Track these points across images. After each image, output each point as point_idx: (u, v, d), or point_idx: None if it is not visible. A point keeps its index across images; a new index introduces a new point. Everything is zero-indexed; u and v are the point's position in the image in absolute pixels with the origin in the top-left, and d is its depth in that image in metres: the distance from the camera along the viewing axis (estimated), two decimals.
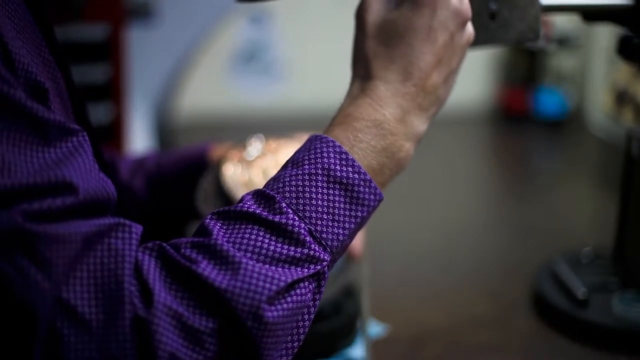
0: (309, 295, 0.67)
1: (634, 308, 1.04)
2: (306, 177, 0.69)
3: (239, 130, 1.90)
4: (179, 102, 1.80)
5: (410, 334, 1.06)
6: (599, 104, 1.91)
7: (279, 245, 0.66)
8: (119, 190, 0.89)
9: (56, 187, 0.61)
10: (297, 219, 0.67)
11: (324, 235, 0.68)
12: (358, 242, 1.04)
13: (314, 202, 0.68)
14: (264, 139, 1.03)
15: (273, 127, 1.16)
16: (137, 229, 0.64)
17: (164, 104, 1.65)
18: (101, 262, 0.61)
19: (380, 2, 0.79)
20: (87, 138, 0.67)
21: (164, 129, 1.68)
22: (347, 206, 0.70)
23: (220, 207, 0.88)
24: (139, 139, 1.54)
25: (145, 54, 1.51)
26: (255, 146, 1.01)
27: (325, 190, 0.69)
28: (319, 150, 0.71)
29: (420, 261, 1.29)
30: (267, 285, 0.64)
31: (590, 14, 1.00)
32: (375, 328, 1.06)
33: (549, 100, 1.97)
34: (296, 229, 0.67)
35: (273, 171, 0.98)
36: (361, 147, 0.73)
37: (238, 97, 2.06)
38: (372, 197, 0.71)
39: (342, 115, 0.76)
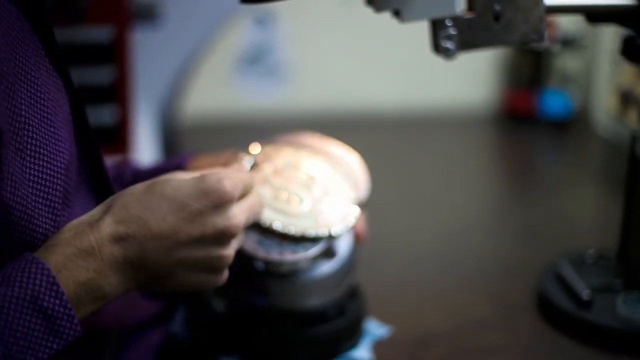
0: None
1: (637, 309, 1.03)
2: (13, 300, 0.68)
3: (244, 132, 1.90)
4: (184, 103, 1.80)
5: (412, 335, 1.06)
6: (603, 105, 1.91)
7: None
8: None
9: None
10: None
11: None
12: (361, 224, 1.04)
13: (14, 327, 0.68)
14: (258, 147, 1.03)
15: (278, 128, 1.16)
16: None
17: (168, 105, 1.65)
18: None
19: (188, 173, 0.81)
20: None
21: (169, 131, 1.68)
22: (46, 337, 0.69)
23: None
24: (144, 141, 1.55)
25: (149, 56, 1.51)
26: (248, 159, 1.00)
27: (28, 318, 0.68)
28: (32, 275, 0.69)
29: (423, 262, 1.29)
30: None
31: (595, 15, 0.99)
32: (377, 330, 1.06)
33: (554, 102, 1.97)
34: None
35: (274, 178, 0.98)
36: (65, 274, 0.71)
37: (243, 99, 2.07)
38: (71, 332, 0.70)
39: (60, 237, 0.73)
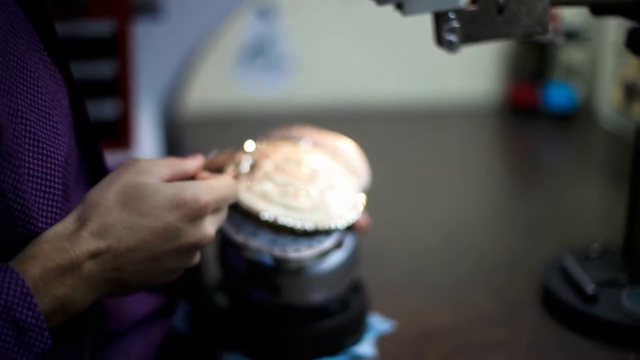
0: None
1: None
2: None
3: (246, 125, 1.90)
4: (186, 97, 1.79)
5: (416, 330, 1.05)
6: (608, 97, 1.90)
7: None
8: None
9: None
10: None
11: None
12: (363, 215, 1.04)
13: None
14: (253, 144, 1.02)
15: (281, 122, 1.15)
16: None
17: (170, 99, 1.64)
18: None
19: (156, 168, 0.80)
20: None
21: (171, 125, 1.67)
22: (15, 348, 0.68)
23: (243, 224, 0.93)
24: (146, 135, 1.54)
25: (151, 49, 1.51)
26: (246, 159, 0.99)
27: None
28: (6, 285, 0.68)
29: (426, 257, 1.28)
30: None
31: (599, 7, 0.99)
32: (381, 324, 1.05)
33: (558, 94, 1.96)
34: None
35: (277, 175, 0.97)
36: (42, 288, 0.70)
37: (245, 92, 2.06)
38: (41, 344, 0.70)
39: (38, 249, 0.72)
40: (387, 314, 1.07)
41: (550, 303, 1.09)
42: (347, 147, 1.07)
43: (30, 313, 0.69)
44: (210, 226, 0.80)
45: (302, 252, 0.95)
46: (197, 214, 0.77)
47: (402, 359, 1.01)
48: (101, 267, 0.74)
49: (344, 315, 1.01)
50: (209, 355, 1.02)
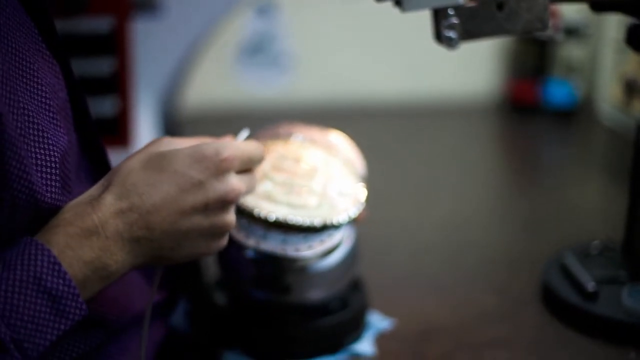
0: None
1: None
2: (17, 283, 0.68)
3: (246, 122, 1.89)
4: (186, 94, 1.79)
5: (416, 328, 1.05)
6: (608, 94, 1.90)
7: None
8: None
9: None
10: (2, 325, 0.67)
11: (25, 345, 0.68)
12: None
13: (20, 309, 0.68)
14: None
15: (280, 119, 1.15)
16: None
17: (170, 96, 1.64)
18: None
19: (181, 143, 0.81)
20: None
21: (170, 122, 1.67)
22: (52, 317, 0.69)
23: (251, 228, 0.94)
24: (145, 132, 1.54)
25: (151, 46, 1.50)
26: None
27: (33, 299, 0.68)
28: (32, 257, 0.69)
29: (426, 254, 1.28)
30: None
31: (599, 4, 0.99)
32: (380, 322, 1.05)
33: (558, 91, 1.96)
34: (1, 336, 0.66)
35: (276, 174, 0.97)
36: (69, 254, 0.71)
37: (245, 89, 2.06)
38: (77, 311, 0.70)
39: (60, 218, 0.73)
40: (387, 312, 1.07)
41: (550, 301, 1.09)
42: (339, 140, 1.07)
43: (61, 281, 0.69)
44: (237, 181, 0.78)
45: (315, 248, 0.95)
46: (219, 167, 0.76)
47: (402, 357, 1.01)
48: (127, 226, 0.73)
49: (343, 313, 1.01)
50: (209, 353, 1.01)
